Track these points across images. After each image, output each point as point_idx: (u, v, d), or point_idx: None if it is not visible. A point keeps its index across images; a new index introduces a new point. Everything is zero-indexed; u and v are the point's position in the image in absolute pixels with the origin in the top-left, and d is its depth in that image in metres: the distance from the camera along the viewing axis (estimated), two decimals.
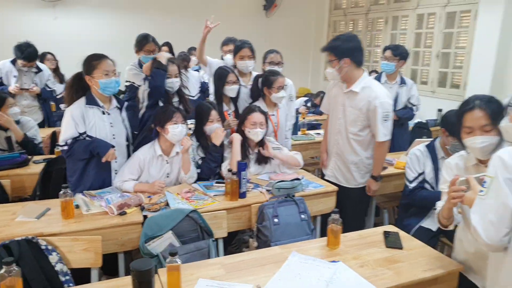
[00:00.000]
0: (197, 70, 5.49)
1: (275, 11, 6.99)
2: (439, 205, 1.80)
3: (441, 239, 2.56)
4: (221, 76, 2.92)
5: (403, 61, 3.58)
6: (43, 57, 4.75)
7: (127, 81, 3.24)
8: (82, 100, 2.35)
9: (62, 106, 4.11)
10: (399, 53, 3.54)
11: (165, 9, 6.38)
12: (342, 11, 7.10)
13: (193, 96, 4.33)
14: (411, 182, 2.56)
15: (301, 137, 4.10)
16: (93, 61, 2.32)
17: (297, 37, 7.14)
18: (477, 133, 1.65)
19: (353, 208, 2.76)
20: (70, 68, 4.68)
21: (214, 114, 2.66)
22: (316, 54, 7.42)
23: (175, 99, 2.87)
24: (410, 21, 5.66)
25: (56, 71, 4.81)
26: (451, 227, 1.73)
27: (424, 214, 2.55)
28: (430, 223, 2.51)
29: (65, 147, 2.29)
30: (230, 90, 2.93)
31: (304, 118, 4.94)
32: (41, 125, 4.04)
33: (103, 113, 2.39)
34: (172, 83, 2.76)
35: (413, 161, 2.58)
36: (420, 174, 2.55)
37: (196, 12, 6.57)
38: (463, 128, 1.70)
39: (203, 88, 4.72)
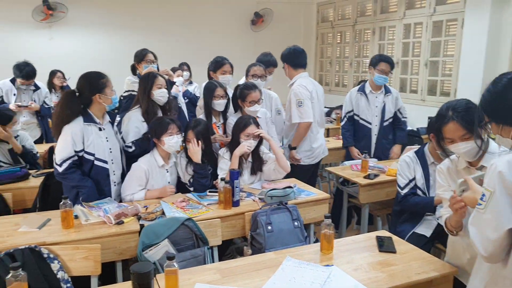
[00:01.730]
0: (190, 83, 5.66)
1: (262, 26, 7.14)
2: (443, 212, 1.84)
3: (435, 245, 2.57)
4: (209, 90, 2.99)
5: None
6: (53, 75, 4.96)
7: (125, 91, 3.38)
8: (80, 119, 2.39)
9: None
10: (393, 65, 3.62)
11: (154, 27, 6.54)
12: (330, 23, 7.28)
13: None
14: (402, 188, 2.61)
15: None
16: (101, 79, 2.39)
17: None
18: (458, 141, 1.73)
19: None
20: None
21: (190, 134, 2.66)
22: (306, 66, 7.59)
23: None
24: (397, 31, 5.81)
25: (62, 87, 4.99)
26: (461, 233, 1.75)
27: (417, 220, 2.59)
28: (424, 229, 2.54)
29: (60, 169, 2.33)
30: (218, 104, 2.99)
31: None
32: (39, 141, 4.13)
33: (100, 129, 2.47)
34: (163, 92, 2.80)
35: (403, 167, 2.64)
36: (411, 180, 2.60)
37: (185, 29, 6.76)
38: (445, 139, 1.79)
39: (193, 101, 4.84)
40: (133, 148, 2.70)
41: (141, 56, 3.37)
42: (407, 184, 2.61)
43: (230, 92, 3.25)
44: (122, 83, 5.92)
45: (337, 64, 7.25)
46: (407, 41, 5.69)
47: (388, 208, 3.35)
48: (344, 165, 3.53)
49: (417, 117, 5.38)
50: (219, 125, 3.09)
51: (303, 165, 3.41)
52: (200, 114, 3.15)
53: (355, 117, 3.72)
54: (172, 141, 2.54)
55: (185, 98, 5.10)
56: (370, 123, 3.69)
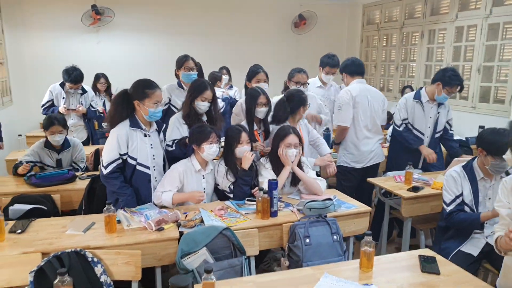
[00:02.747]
0: (230, 87, 5.72)
1: (305, 28, 7.04)
2: (497, 229, 1.75)
3: (483, 265, 2.45)
4: (252, 97, 2.99)
5: None
6: (96, 80, 5.14)
7: None
8: (126, 123, 2.46)
9: (104, 124, 4.38)
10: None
11: (198, 31, 6.64)
12: (376, 26, 7.05)
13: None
14: (448, 204, 2.50)
15: (333, 155, 3.75)
16: (146, 89, 2.42)
17: (328, 52, 7.22)
18: None
19: None
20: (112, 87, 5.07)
21: (244, 136, 2.68)
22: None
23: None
24: (448, 34, 5.53)
25: (107, 91, 5.20)
26: (510, 253, 1.68)
27: (464, 238, 2.48)
28: (471, 248, 2.44)
29: (105, 172, 2.41)
30: (260, 112, 2.98)
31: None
32: (85, 142, 4.32)
33: (145, 135, 2.52)
34: (203, 105, 2.81)
35: (450, 182, 2.52)
36: (457, 196, 2.48)
37: (228, 32, 6.81)
38: None
39: (233, 105, 4.89)
40: (173, 148, 2.74)
41: (180, 63, 3.40)
42: (453, 201, 2.49)
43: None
44: (165, 84, 6.05)
45: (382, 68, 7.02)
46: (458, 45, 5.40)
47: (432, 222, 3.22)
48: (387, 176, 3.41)
49: (467, 125, 5.10)
50: (260, 132, 3.08)
51: (348, 167, 3.54)
52: (241, 121, 3.17)
53: (408, 126, 3.56)
54: (211, 149, 2.56)
55: (225, 100, 5.18)
56: (423, 134, 3.53)
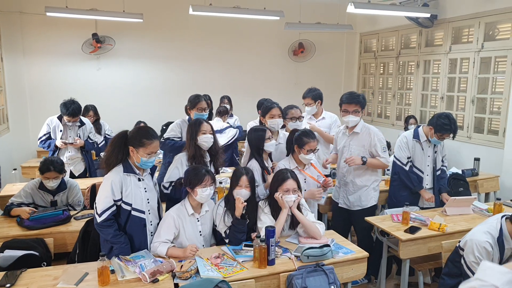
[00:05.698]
0: (231, 115, 5.73)
1: (304, 55, 7.12)
2: None
3: None
4: (260, 137, 3.03)
5: None
6: (86, 111, 4.88)
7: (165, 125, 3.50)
8: (120, 168, 2.43)
9: (102, 154, 4.33)
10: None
11: (198, 58, 6.68)
12: (373, 54, 7.15)
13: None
14: None
15: (330, 190, 3.74)
16: (144, 139, 2.40)
17: (326, 79, 7.30)
18: None
19: None
20: (110, 115, 5.04)
21: (244, 180, 2.66)
22: None
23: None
24: (442, 66, 5.61)
25: (95, 123, 4.84)
26: None
27: None
28: None
29: (99, 219, 2.36)
30: (270, 145, 3.07)
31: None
32: (83, 174, 4.26)
33: (139, 179, 2.49)
34: (207, 138, 2.85)
35: (484, 257, 2.39)
36: None
37: (228, 59, 6.86)
38: None
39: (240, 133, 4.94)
40: (168, 191, 2.74)
41: (193, 103, 3.43)
42: None
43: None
44: (164, 111, 6.07)
45: (379, 95, 7.08)
46: (452, 76, 5.47)
47: (429, 261, 3.19)
48: (385, 214, 3.39)
49: (463, 156, 5.13)
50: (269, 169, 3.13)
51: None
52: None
53: (411, 164, 3.59)
54: (205, 193, 2.54)
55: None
56: (422, 172, 3.56)
